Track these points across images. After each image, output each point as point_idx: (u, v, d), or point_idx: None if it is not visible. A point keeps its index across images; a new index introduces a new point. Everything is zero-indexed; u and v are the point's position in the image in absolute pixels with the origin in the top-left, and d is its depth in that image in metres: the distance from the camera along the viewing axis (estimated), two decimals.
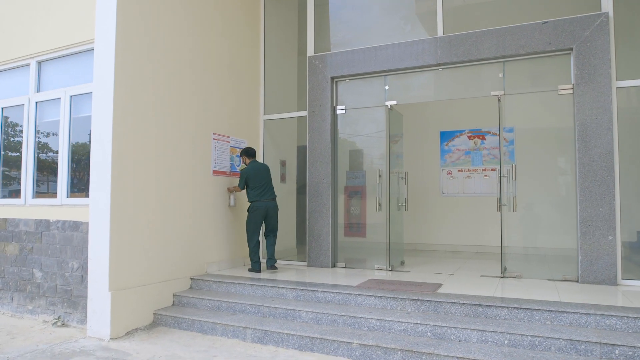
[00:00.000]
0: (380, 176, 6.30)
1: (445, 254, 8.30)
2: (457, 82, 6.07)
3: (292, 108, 7.30)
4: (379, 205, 6.29)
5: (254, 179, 5.96)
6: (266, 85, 7.20)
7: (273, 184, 6.21)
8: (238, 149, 6.61)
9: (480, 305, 4.15)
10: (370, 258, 6.54)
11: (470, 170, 8.82)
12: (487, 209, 8.62)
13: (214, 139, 6.11)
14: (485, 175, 8.70)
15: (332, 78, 6.61)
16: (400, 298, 4.47)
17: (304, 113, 6.84)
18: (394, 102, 6.28)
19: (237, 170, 6.58)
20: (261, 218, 6.00)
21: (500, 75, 5.80)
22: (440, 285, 5.04)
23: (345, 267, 6.43)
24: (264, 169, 6.11)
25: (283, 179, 7.68)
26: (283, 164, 7.69)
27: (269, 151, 7.29)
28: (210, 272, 5.95)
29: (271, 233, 6.18)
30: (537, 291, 4.65)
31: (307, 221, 6.60)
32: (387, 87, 6.38)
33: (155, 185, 5.12)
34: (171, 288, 5.29)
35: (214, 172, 6.11)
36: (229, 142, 6.42)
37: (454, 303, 4.24)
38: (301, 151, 8.16)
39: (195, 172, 5.77)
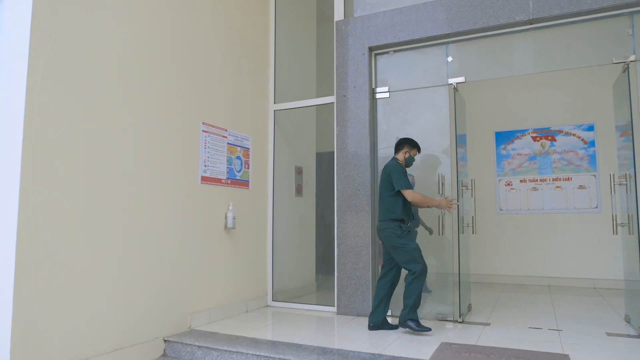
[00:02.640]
0: (442, 184, 4.39)
1: (510, 288, 6.32)
2: (558, 47, 4.19)
3: (311, 93, 5.44)
4: (442, 226, 4.35)
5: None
6: (277, 63, 5.35)
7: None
8: (240, 148, 4.72)
9: None
10: (427, 301, 4.57)
11: (537, 181, 6.89)
12: (562, 229, 6.66)
13: (203, 131, 4.23)
14: (557, 187, 6.77)
15: (371, 49, 4.76)
16: None
17: (329, 99, 4.97)
18: (461, 80, 4.40)
19: (237, 177, 4.68)
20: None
21: (629, 32, 3.92)
22: (566, 357, 3.08)
23: (392, 316, 4.47)
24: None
25: (299, 191, 5.77)
26: (299, 171, 5.79)
27: (281, 153, 5.41)
28: (196, 326, 3.99)
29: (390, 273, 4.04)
30: None
31: (335, 249, 4.67)
32: (450, 59, 4.51)
33: (106, 201, 3.22)
34: None
35: (204, 179, 4.21)
36: (226, 137, 4.54)
37: None
38: (324, 154, 6.27)
39: (174, 180, 3.87)
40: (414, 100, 4.66)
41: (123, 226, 3.35)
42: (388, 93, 4.71)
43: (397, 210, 3.84)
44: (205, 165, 4.22)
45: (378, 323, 3.89)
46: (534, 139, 6.94)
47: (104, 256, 3.19)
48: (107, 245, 3.21)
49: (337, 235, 4.66)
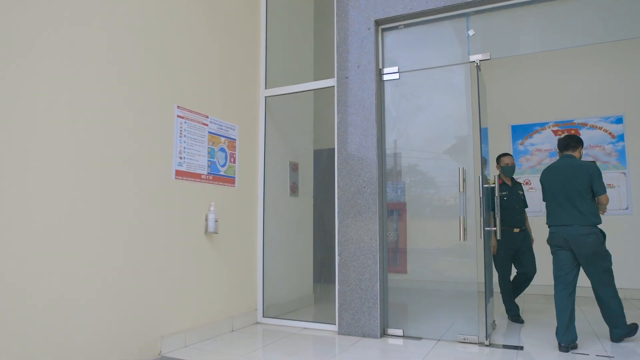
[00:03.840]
0: (464, 181, 3.70)
1: (530, 299, 5.61)
2: (595, 16, 3.52)
3: (308, 76, 4.75)
4: (464, 229, 3.66)
5: (548, 187, 3.73)
6: (269, 42, 4.66)
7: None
8: (224, 139, 4.02)
9: None
10: (444, 317, 3.88)
11: None
12: None
13: (179, 116, 3.53)
14: None
15: (377, 23, 4.08)
16: None
17: (329, 82, 4.28)
18: (486, 56, 3.72)
19: (221, 172, 3.98)
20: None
21: None
22: None
23: (404, 337, 3.78)
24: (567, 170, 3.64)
25: (294, 190, 5.07)
26: (294, 167, 5.10)
27: (273, 146, 4.71)
28: (167, 352, 3.28)
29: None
30: None
31: (336, 257, 3.97)
32: (471, 32, 3.83)
33: (41, 202, 2.51)
34: None
35: (179, 173, 3.51)
36: (207, 124, 3.84)
37: None
38: (322, 151, 5.59)
39: (139, 174, 3.17)
40: (428, 82, 3.97)
41: (69, 233, 2.64)
42: (398, 74, 4.02)
43: (598, 215, 3.53)
44: (180, 157, 3.52)
45: (574, 341, 3.41)
46: (555, 132, 6.27)
47: (45, 270, 2.48)
48: (44, 258, 2.50)
49: (338, 241, 3.96)
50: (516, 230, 4.39)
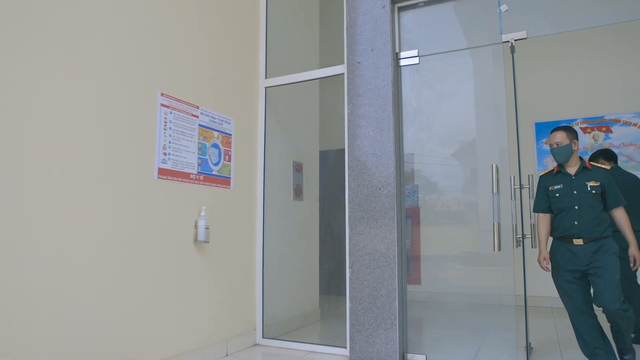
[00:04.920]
0: (496, 181, 3.15)
1: (561, 314, 5.03)
2: None
3: (313, 63, 4.24)
4: (498, 237, 3.11)
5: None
6: (270, 24, 4.14)
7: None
8: (218, 133, 3.49)
9: None
10: (471, 339, 3.33)
11: None
12: None
13: (163, 105, 3.01)
14: None
15: (393, 1, 3.56)
16: None
17: (338, 69, 3.75)
18: (521, 35, 3.19)
19: (214, 172, 3.44)
20: None
21: None
22: None
23: None
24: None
25: (298, 193, 4.54)
26: (298, 167, 4.56)
27: (275, 144, 4.18)
28: None
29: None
30: None
31: (347, 269, 3.42)
32: (504, 8, 3.30)
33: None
34: None
35: (162, 172, 2.97)
36: (197, 116, 3.31)
37: None
38: (330, 151, 5.07)
39: (113, 172, 2.64)
40: (453, 67, 3.45)
41: (21, 244, 2.11)
42: (417, 58, 3.49)
43: None
44: (164, 153, 2.99)
45: None
46: (584, 130, 5.71)
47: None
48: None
49: (349, 251, 3.42)
50: (577, 241, 2.90)
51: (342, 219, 3.64)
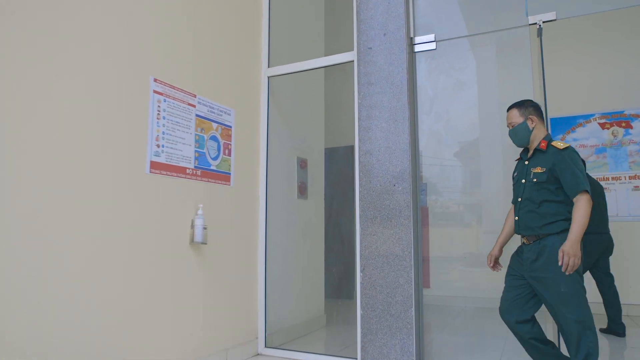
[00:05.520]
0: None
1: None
2: None
3: (318, 51, 3.97)
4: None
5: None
6: (273, 7, 3.86)
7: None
8: (217, 125, 3.20)
9: None
10: (495, 346, 3.05)
11: (608, 179, 5.37)
12: None
13: (155, 92, 2.72)
14: (636, 187, 5.25)
15: None
16: None
17: (347, 56, 3.46)
18: (550, 16, 2.91)
19: (212, 167, 3.15)
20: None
21: None
22: None
23: None
24: None
25: (302, 191, 4.25)
26: (302, 164, 4.28)
27: (278, 138, 3.90)
28: None
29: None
30: None
31: (357, 273, 3.13)
32: None
33: None
34: None
35: (155, 166, 2.69)
36: (194, 105, 3.02)
37: None
38: (337, 148, 4.79)
39: (99, 165, 2.35)
40: (473, 53, 3.16)
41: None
42: (434, 43, 3.21)
43: None
44: (157, 145, 2.70)
45: None
46: (602, 125, 5.43)
47: None
48: None
49: (360, 254, 3.13)
50: (524, 240, 2.45)
51: (348, 219, 3.35)
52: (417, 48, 3.25)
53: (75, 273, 2.18)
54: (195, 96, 3.03)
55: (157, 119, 2.71)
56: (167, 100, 2.79)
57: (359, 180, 3.18)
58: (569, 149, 2.29)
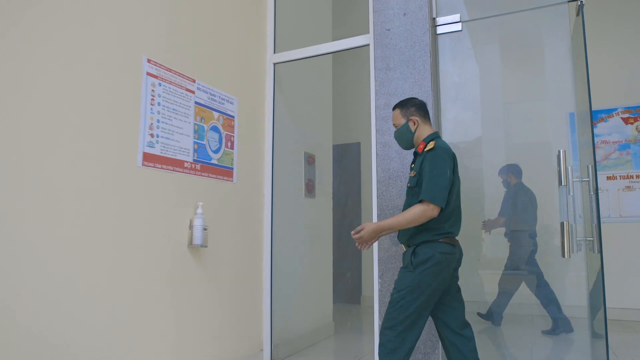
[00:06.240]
0: (566, 170, 2.56)
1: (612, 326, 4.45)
2: None
3: (325, 35, 3.66)
4: (569, 240, 2.51)
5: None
6: None
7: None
8: (218, 114, 2.88)
9: None
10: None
11: (632, 177, 5.07)
12: None
13: (149, 74, 2.39)
14: None
15: None
16: None
17: (361, 40, 3.14)
18: None
19: (213, 161, 2.83)
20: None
21: None
22: None
23: None
24: None
25: (310, 189, 3.93)
26: (310, 160, 3.96)
27: (284, 131, 3.58)
28: None
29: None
30: None
31: (375, 280, 2.81)
32: None
33: None
34: None
35: (148, 158, 2.36)
36: (193, 91, 2.70)
37: None
38: (344, 142, 4.48)
39: (86, 156, 2.02)
40: (503, 36, 2.85)
41: None
42: (459, 24, 2.89)
43: None
44: (151, 135, 2.38)
45: None
46: (626, 120, 5.13)
47: None
48: None
49: (378, 258, 2.81)
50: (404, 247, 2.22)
51: (358, 220, 3.02)
52: (440, 30, 2.93)
53: (59, 281, 1.85)
54: (194, 81, 2.71)
55: (151, 104, 2.38)
56: (163, 84, 2.47)
57: (376, 176, 2.86)
58: (431, 150, 2.04)
